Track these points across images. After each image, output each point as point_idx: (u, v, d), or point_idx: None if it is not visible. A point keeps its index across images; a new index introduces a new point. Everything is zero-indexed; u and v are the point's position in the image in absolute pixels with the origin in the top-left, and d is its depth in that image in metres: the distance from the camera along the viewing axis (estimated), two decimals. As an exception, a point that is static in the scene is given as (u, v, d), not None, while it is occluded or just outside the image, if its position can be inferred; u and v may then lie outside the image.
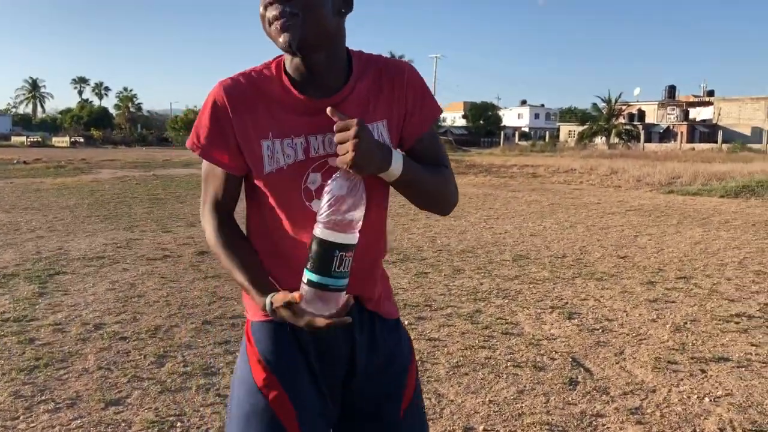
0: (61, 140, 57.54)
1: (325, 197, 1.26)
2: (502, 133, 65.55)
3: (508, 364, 3.92)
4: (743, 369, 3.87)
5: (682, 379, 3.71)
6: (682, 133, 57.43)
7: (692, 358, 4.04)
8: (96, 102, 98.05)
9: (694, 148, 44.43)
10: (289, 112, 1.40)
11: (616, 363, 3.96)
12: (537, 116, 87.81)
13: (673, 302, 5.36)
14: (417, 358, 2.43)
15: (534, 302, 5.31)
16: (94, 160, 27.97)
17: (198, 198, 11.17)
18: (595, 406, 3.34)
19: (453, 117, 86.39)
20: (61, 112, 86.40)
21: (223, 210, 1.49)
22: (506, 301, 5.34)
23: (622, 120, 57.75)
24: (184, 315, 4.81)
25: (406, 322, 4.42)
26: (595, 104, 57.65)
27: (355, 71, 1.43)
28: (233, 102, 1.40)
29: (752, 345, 4.29)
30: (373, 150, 1.28)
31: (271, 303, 1.33)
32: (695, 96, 68.89)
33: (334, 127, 1.29)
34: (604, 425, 3.14)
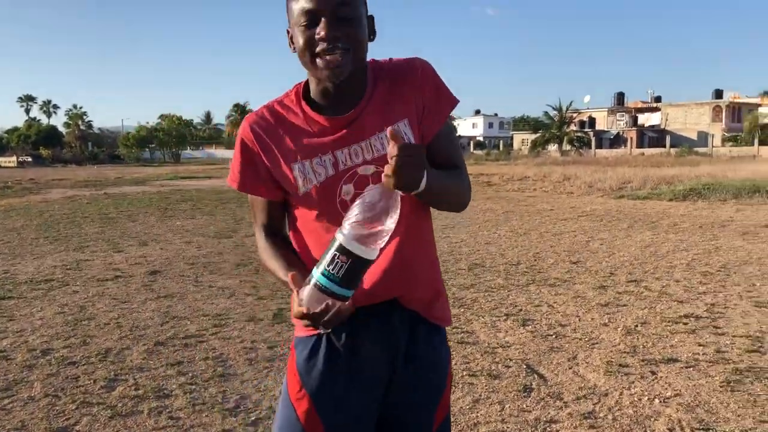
0: (7, 160, 55.99)
1: (356, 206, 1.28)
2: (457, 142, 66.09)
3: (464, 373, 3.93)
4: (691, 369, 3.97)
5: (633, 382, 3.77)
6: (631, 138, 58.83)
7: (643, 361, 4.12)
8: (44, 120, 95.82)
9: (643, 153, 45.45)
10: (313, 134, 1.47)
11: (570, 368, 4.01)
12: (491, 125, 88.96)
13: (624, 306, 5.47)
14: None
15: (489, 310, 5.35)
16: (43, 180, 27.28)
17: (150, 215, 11.06)
18: (549, 412, 3.37)
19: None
20: (7, 132, 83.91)
21: (270, 230, 1.59)
22: (462, 309, 5.37)
23: (573, 127, 58.85)
24: (136, 337, 4.71)
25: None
26: (546, 112, 58.66)
27: (369, 81, 1.49)
28: (259, 137, 1.50)
29: (699, 345, 4.40)
30: (419, 171, 1.32)
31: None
32: (643, 102, 70.66)
33: (390, 150, 1.29)
34: (558, 431, 3.17)
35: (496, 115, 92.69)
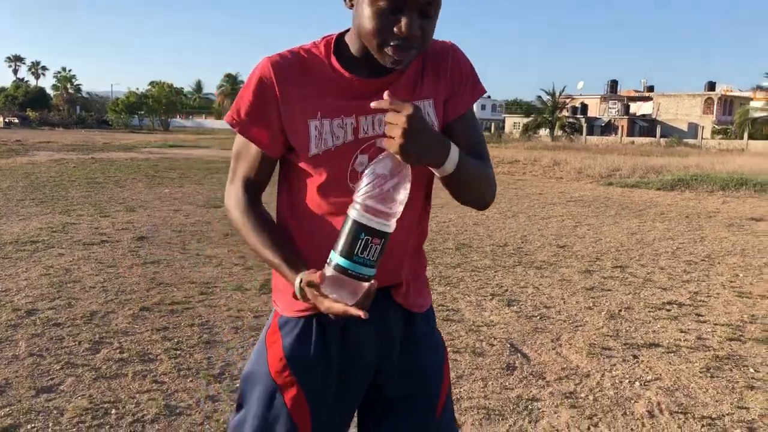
0: (-6, 120, 55.32)
1: (366, 177, 1.20)
2: (449, 123, 66.05)
3: (448, 349, 3.95)
4: (672, 354, 4.02)
5: (614, 365, 3.82)
6: (622, 126, 58.97)
7: (625, 344, 4.17)
8: (32, 82, 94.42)
9: (633, 142, 45.65)
10: (339, 93, 1.35)
11: (553, 349, 4.05)
12: (483, 107, 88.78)
13: (609, 290, 5.52)
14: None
15: (475, 289, 5.39)
16: (30, 142, 27.01)
17: (138, 182, 10.85)
18: (531, 391, 3.41)
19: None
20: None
21: (252, 190, 1.44)
22: (448, 288, 5.40)
23: (565, 113, 58.94)
24: (122, 301, 4.70)
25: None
26: (539, 97, 58.70)
27: None
28: (281, 79, 1.34)
29: (681, 332, 4.45)
30: (426, 139, 1.21)
31: (300, 280, 1.27)
32: (636, 91, 70.70)
33: (389, 105, 1.20)
34: (539, 409, 3.21)
35: (489, 97, 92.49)
